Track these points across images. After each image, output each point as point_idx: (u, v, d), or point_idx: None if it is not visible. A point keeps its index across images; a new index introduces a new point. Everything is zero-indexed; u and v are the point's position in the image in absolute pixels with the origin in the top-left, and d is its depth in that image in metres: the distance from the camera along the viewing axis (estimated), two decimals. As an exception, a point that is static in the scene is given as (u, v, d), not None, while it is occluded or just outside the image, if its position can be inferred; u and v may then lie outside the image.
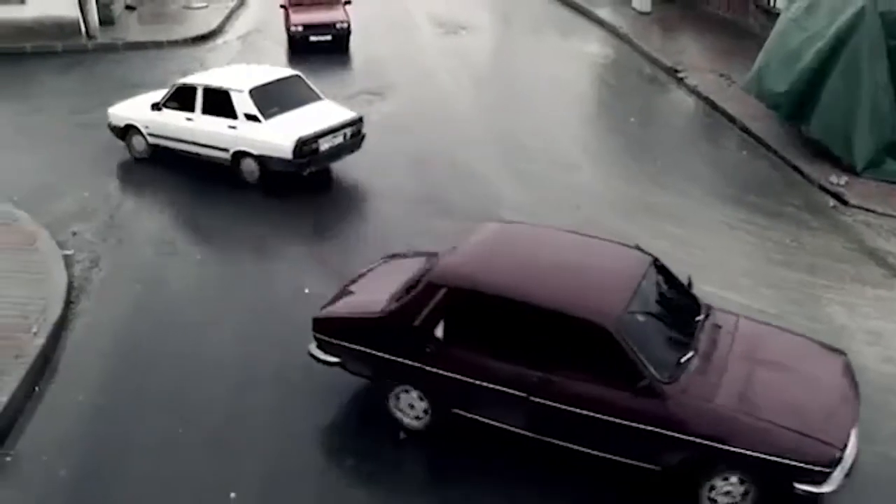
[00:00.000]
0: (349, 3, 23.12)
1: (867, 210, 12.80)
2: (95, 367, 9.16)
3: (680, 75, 19.39)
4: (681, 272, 9.88)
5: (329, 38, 21.74)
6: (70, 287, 10.47)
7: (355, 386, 8.61)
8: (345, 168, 14.26)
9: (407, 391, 7.91)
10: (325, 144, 13.18)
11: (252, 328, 9.85)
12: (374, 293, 8.32)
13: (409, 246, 11.59)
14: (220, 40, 23.36)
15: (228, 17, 25.63)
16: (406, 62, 20.91)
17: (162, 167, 14.35)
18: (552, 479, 7.53)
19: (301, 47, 21.77)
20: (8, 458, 7.80)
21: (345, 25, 21.89)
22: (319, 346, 8.26)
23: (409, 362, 7.67)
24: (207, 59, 21.17)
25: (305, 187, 13.48)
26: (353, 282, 8.96)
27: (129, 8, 26.35)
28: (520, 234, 8.61)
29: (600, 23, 24.98)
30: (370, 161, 14.53)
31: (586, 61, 21.61)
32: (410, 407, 7.99)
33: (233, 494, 7.39)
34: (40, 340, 9.18)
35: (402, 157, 14.96)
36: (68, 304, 10.15)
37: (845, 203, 13.01)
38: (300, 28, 21.66)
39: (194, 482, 7.59)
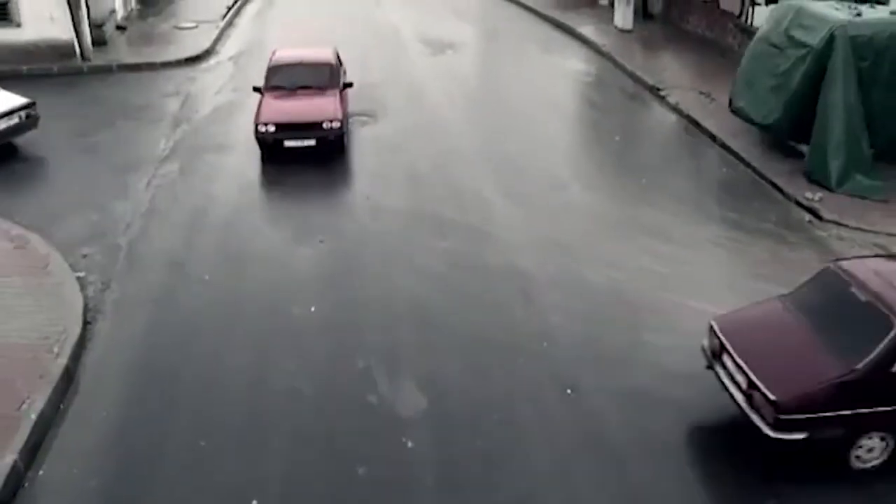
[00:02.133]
0: (350, 85, 17.73)
1: (840, 224, 13.50)
2: (116, 384, 9.68)
3: (662, 93, 20.08)
4: (667, 288, 10.57)
5: (312, 142, 15.60)
6: (86, 308, 10.95)
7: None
8: (346, 186, 14.87)
9: (870, 437, 8.24)
10: (2, 125, 15.75)
11: (264, 342, 10.44)
12: (791, 358, 8.50)
13: (413, 264, 12.25)
14: (212, 60, 23.77)
15: (219, 38, 26.03)
16: (396, 83, 21.36)
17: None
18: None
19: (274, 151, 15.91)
20: (41, 472, 8.30)
21: (337, 125, 15.58)
22: (780, 428, 8.06)
23: (888, 408, 8.06)
24: (202, 79, 21.68)
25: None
26: (741, 353, 8.69)
27: (119, 28, 26.74)
28: (875, 266, 9.19)
29: (583, 40, 25.66)
30: (367, 180, 15.15)
31: (571, 79, 22.29)
32: (868, 451, 8.33)
33: (254, 502, 7.91)
34: (62, 360, 9.68)
35: (397, 175, 15.54)
36: (85, 324, 10.64)
37: (820, 218, 13.71)
38: (270, 128, 15.53)
39: (217, 490, 8.14)
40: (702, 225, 13.67)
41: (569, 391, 9.52)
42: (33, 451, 8.49)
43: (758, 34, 17.02)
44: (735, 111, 16.99)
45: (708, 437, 9.13)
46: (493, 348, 10.37)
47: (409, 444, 8.72)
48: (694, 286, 11.68)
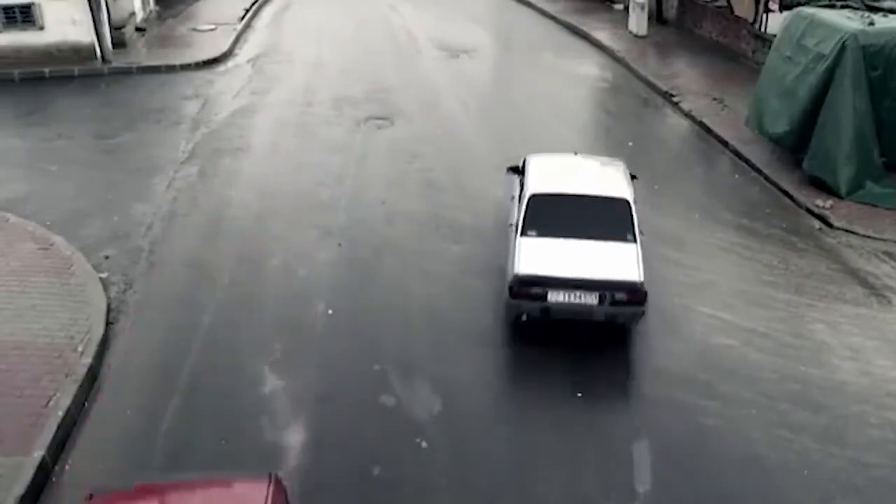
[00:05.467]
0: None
1: (850, 232, 13.66)
2: (138, 383, 9.96)
3: (675, 99, 20.25)
4: (678, 294, 10.73)
5: None
6: (109, 309, 11.25)
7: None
8: (360, 191, 15.11)
9: None
10: None
11: (282, 344, 10.68)
12: None
13: (427, 268, 12.48)
14: (230, 63, 24.07)
15: (237, 41, 26.35)
16: (411, 87, 21.60)
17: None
18: None
19: None
20: (67, 468, 8.60)
21: None
22: None
23: None
24: (220, 82, 21.97)
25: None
26: None
27: (139, 31, 27.10)
28: None
29: (598, 46, 25.82)
30: (382, 185, 15.37)
31: (585, 85, 22.45)
32: None
33: None
34: (87, 360, 9.98)
35: (413, 180, 15.76)
36: (108, 324, 10.94)
37: (830, 226, 13.87)
38: None
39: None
40: (712, 231, 13.84)
41: (579, 395, 9.73)
42: (60, 447, 8.78)
43: (773, 46, 17.18)
44: (748, 123, 17.18)
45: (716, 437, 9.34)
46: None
47: (423, 445, 8.96)
48: (703, 292, 11.87)
